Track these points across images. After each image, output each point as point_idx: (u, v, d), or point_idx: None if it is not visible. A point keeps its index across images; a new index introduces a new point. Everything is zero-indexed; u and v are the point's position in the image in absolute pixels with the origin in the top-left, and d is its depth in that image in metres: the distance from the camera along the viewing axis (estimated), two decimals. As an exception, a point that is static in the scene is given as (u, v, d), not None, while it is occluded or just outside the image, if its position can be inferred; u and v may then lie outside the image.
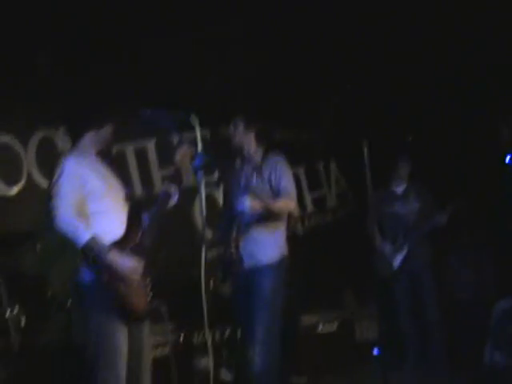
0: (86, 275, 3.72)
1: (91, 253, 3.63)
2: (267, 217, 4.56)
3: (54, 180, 3.78)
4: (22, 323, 4.28)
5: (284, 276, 4.65)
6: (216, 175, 6.55)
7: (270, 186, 4.61)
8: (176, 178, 4.08)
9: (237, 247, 4.57)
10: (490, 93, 6.31)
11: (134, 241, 3.82)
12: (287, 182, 4.63)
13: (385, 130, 6.51)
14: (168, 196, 4.00)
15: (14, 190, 5.55)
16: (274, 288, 4.57)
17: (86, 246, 3.61)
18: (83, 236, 3.62)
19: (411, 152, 6.40)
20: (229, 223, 4.65)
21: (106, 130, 3.93)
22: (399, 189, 6.37)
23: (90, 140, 3.89)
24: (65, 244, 3.82)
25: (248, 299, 4.59)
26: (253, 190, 4.51)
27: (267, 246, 4.61)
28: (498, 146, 6.53)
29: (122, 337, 3.74)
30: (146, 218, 3.94)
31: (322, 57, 5.94)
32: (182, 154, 4.07)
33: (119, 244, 3.75)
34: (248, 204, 4.36)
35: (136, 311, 3.75)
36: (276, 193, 4.60)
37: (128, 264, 3.69)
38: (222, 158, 4.97)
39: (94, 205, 3.79)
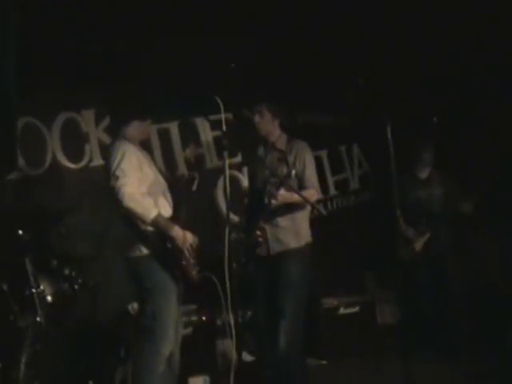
0: (140, 248, 4.09)
1: (158, 227, 4.02)
2: (292, 205, 4.62)
3: (115, 161, 4.01)
4: (48, 301, 4.35)
5: (309, 261, 4.71)
6: (239, 157, 6.56)
7: (295, 172, 4.58)
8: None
9: (263, 232, 4.64)
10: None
11: (180, 219, 4.19)
12: (311, 171, 4.71)
13: (409, 112, 6.46)
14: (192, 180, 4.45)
15: (40, 171, 5.62)
16: (301, 272, 4.64)
17: (154, 220, 3.99)
18: (151, 212, 3.98)
19: (436, 136, 6.37)
20: (255, 209, 4.70)
21: (148, 123, 4.32)
22: (423, 174, 6.33)
23: (134, 129, 4.23)
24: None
25: (274, 282, 4.65)
26: (279, 178, 4.51)
27: (294, 231, 4.68)
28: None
29: (176, 306, 4.14)
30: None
31: (344, 39, 5.88)
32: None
33: (172, 221, 4.12)
34: (280, 194, 4.41)
35: (192, 279, 4.15)
36: (300, 180, 4.66)
37: (189, 238, 4.12)
38: (246, 140, 4.99)
39: (148, 186, 4.12)
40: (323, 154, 7.36)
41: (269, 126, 4.77)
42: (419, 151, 6.30)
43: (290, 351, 4.53)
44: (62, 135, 5.82)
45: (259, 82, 6.47)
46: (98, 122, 6.01)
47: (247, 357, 5.84)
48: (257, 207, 4.65)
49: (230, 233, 3.78)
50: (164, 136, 6.37)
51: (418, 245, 6.15)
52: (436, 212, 6.15)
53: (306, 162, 4.69)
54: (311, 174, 4.70)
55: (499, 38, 5.75)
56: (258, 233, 4.63)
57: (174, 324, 4.11)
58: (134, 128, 4.23)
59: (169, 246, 4.05)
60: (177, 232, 4.06)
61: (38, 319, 4.16)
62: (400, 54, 6.09)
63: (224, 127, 3.81)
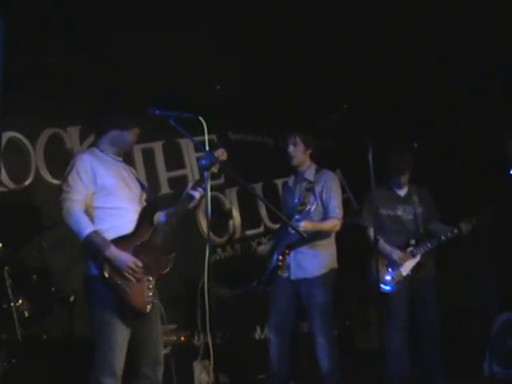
0: (93, 269, 3.75)
1: (92, 246, 3.69)
2: (317, 234, 4.88)
3: (66, 174, 3.85)
4: (26, 315, 4.31)
5: (333, 286, 4.95)
6: (222, 179, 6.60)
7: (321, 202, 4.94)
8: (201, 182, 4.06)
9: (284, 257, 4.91)
10: (496, 104, 6.31)
11: (143, 238, 3.86)
12: (336, 202, 4.95)
13: (391, 137, 6.50)
14: (190, 199, 4.02)
15: (22, 185, 5.62)
16: (325, 295, 4.87)
17: (87, 239, 3.68)
18: (86, 229, 3.69)
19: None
20: (282, 234, 5.01)
21: (132, 133, 4.06)
22: (401, 191, 6.18)
23: (111, 138, 4.01)
24: (70, 239, 3.87)
25: (293, 305, 4.97)
26: (307, 208, 4.87)
27: (318, 259, 4.91)
28: (503, 158, 6.50)
29: (119, 334, 3.75)
30: (162, 217, 4.04)
31: (329, 66, 5.93)
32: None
33: (126, 239, 3.80)
34: (302, 226, 4.67)
35: (134, 308, 3.75)
36: (325, 210, 4.94)
37: (127, 260, 3.71)
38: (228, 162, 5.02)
39: (104, 200, 3.86)
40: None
41: (301, 156, 5.03)
42: (396, 176, 6.18)
43: (334, 368, 4.86)
44: (46, 151, 5.84)
45: (244, 106, 6.54)
46: (82, 138, 6.03)
47: (224, 378, 5.84)
48: (283, 233, 4.95)
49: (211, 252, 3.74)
50: (148, 155, 6.41)
51: (406, 269, 5.92)
52: (421, 232, 6.01)
53: (332, 192, 4.95)
54: (335, 205, 4.93)
55: (480, 65, 5.83)
56: (280, 257, 4.91)
57: (114, 362, 3.70)
58: (111, 136, 4.00)
59: (106, 269, 3.67)
60: (111, 252, 3.68)
61: (15, 333, 4.12)
62: (382, 80, 6.15)
63: (207, 148, 3.81)
